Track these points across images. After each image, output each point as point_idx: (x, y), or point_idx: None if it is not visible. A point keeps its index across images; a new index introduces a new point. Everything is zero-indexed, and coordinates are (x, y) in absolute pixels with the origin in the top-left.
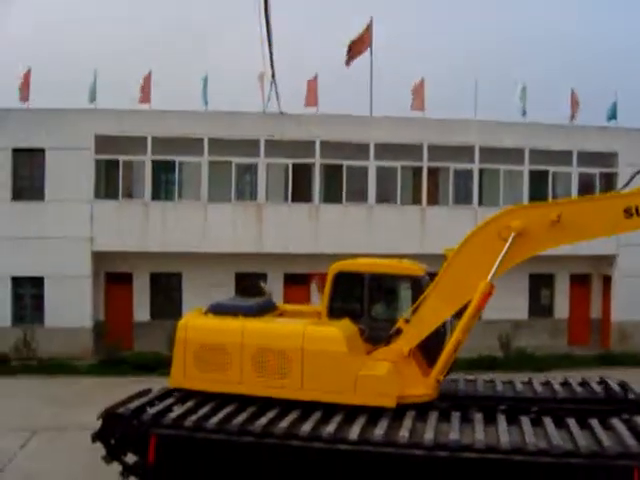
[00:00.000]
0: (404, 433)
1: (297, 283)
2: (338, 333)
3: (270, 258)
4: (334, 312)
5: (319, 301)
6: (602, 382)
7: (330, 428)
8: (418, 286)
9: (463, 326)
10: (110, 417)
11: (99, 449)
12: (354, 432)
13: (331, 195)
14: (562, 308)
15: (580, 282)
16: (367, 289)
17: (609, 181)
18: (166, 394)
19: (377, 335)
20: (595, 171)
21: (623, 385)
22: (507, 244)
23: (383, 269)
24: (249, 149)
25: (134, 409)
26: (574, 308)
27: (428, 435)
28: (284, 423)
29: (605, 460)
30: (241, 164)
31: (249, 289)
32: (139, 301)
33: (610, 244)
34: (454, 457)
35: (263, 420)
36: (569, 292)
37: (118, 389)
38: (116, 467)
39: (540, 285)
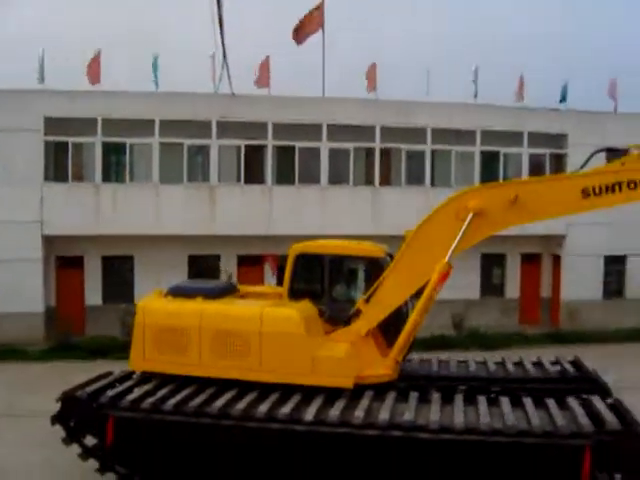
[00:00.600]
0: (359, 413)
1: (251, 264)
2: (295, 315)
3: (223, 240)
4: (295, 293)
5: (273, 282)
6: (556, 362)
7: (286, 409)
8: (378, 267)
9: (421, 307)
10: (69, 400)
11: (54, 435)
12: (310, 413)
13: (284, 177)
14: (513, 287)
15: (530, 261)
16: (327, 270)
17: (559, 162)
18: (126, 377)
19: (337, 316)
20: (545, 152)
21: (577, 364)
22: (464, 224)
23: (343, 250)
24: (201, 130)
25: (92, 392)
26: (525, 287)
27: (383, 415)
28: (241, 405)
29: (557, 439)
30: (193, 145)
31: (205, 271)
32: (91, 285)
33: (559, 224)
34: (408, 437)
35: (220, 402)
36: (520, 271)
37: (71, 374)
38: (72, 454)
39: (492, 265)
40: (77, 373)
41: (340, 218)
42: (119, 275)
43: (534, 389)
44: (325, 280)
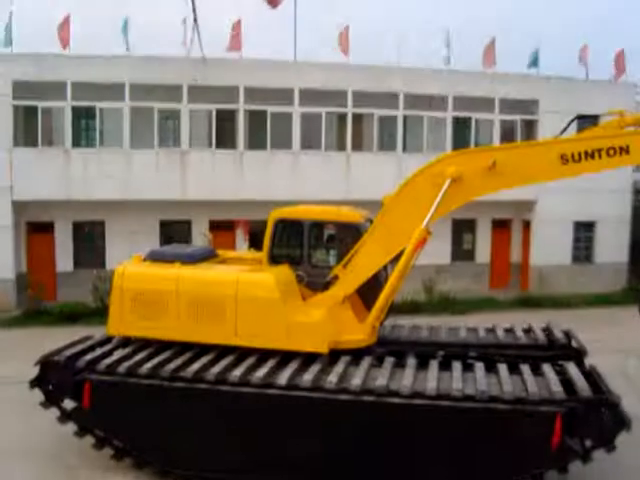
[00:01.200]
0: (332, 378)
1: (222, 230)
2: (270, 280)
3: (195, 205)
4: (274, 259)
5: (245, 247)
6: (546, 329)
7: (260, 373)
8: (358, 233)
9: (398, 272)
10: (47, 364)
11: (29, 401)
12: (283, 377)
13: (255, 141)
14: (484, 253)
15: (501, 227)
16: (307, 236)
17: (530, 128)
18: (105, 341)
19: (317, 282)
20: (516, 118)
21: (565, 333)
22: (442, 191)
23: (322, 216)
24: (172, 95)
25: (70, 356)
26: (495, 253)
27: (356, 380)
28: (216, 369)
29: (528, 406)
30: (164, 110)
31: (177, 237)
32: (62, 251)
33: (530, 190)
34: (380, 402)
35: (195, 366)
36: (490, 237)
37: (43, 340)
38: (48, 420)
39: (462, 230)
40: (49, 339)
41: (312, 183)
42: (90, 241)
43: (513, 356)
44: (304, 246)
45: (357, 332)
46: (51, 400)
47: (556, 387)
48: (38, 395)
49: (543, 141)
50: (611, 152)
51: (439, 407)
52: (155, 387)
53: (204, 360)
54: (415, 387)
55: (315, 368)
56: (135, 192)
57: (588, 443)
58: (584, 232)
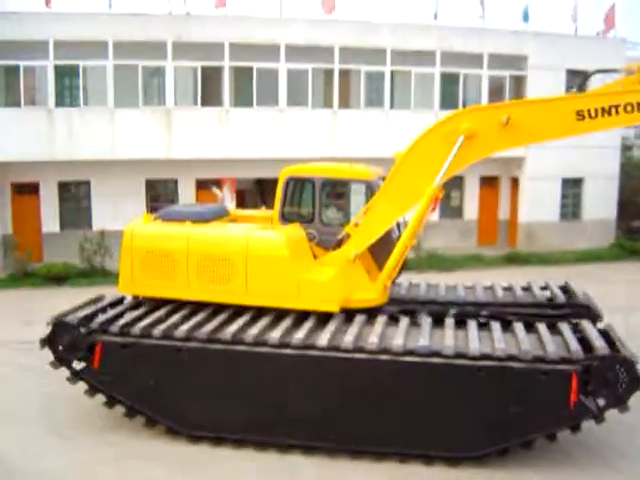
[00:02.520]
0: (349, 337)
1: (209, 188)
2: (280, 238)
3: (181, 164)
4: (285, 217)
5: (232, 206)
6: (564, 288)
7: (275, 334)
8: (370, 190)
9: (410, 231)
10: (59, 325)
11: (26, 364)
12: (297, 337)
13: (241, 99)
14: (472, 210)
15: (489, 184)
16: (318, 194)
17: (519, 84)
18: (117, 301)
19: (328, 240)
20: (505, 74)
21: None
22: (455, 147)
23: (334, 174)
24: (156, 52)
25: (82, 317)
26: (483, 210)
27: (372, 339)
28: (231, 329)
29: (545, 365)
30: (148, 67)
31: (163, 196)
32: (48, 211)
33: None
34: (397, 361)
35: (209, 327)
36: (478, 194)
37: (30, 302)
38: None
39: (450, 187)
40: (36, 301)
41: (299, 140)
42: (76, 201)
43: (526, 314)
44: (315, 204)
45: (369, 291)
46: (61, 360)
47: (574, 345)
48: (26, 356)
49: (559, 97)
50: (628, 108)
51: (455, 365)
52: (168, 348)
53: (217, 321)
54: (433, 346)
55: (331, 327)
56: (120, 151)
57: (602, 402)
58: (572, 189)
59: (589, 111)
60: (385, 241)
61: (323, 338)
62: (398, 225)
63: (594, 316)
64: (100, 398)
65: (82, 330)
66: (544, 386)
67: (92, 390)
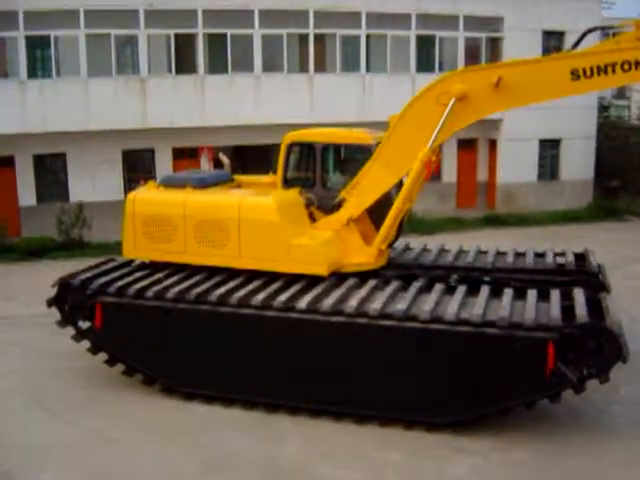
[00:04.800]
0: (330, 301)
1: (186, 157)
2: (271, 202)
3: (156, 133)
4: (288, 182)
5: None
6: (562, 254)
7: (260, 296)
8: (369, 154)
9: (403, 195)
10: (63, 286)
11: (9, 339)
12: (280, 300)
13: (216, 66)
14: (450, 172)
15: (467, 147)
16: (319, 158)
17: (495, 46)
18: (123, 265)
19: (329, 204)
20: (481, 35)
21: (583, 257)
22: (447, 110)
23: (334, 138)
24: (128, 20)
25: (85, 279)
26: (461, 172)
27: (351, 302)
28: (219, 291)
29: (521, 332)
30: (120, 36)
31: (140, 165)
32: (24, 185)
33: None
34: (373, 325)
35: (199, 289)
36: (457, 157)
37: (9, 277)
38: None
39: None
40: (16, 276)
41: (275, 106)
42: (52, 174)
43: (527, 280)
44: (317, 168)
45: (363, 255)
46: (67, 320)
47: (554, 313)
48: (8, 331)
49: (553, 56)
50: (626, 67)
51: (431, 330)
52: (160, 309)
53: (209, 283)
54: (409, 310)
55: (316, 291)
56: (95, 122)
57: (584, 372)
58: (550, 150)
59: (584, 70)
60: (385, 205)
61: (304, 301)
62: (399, 188)
63: (601, 285)
64: (82, 369)
65: (84, 291)
66: (520, 353)
67: (95, 349)
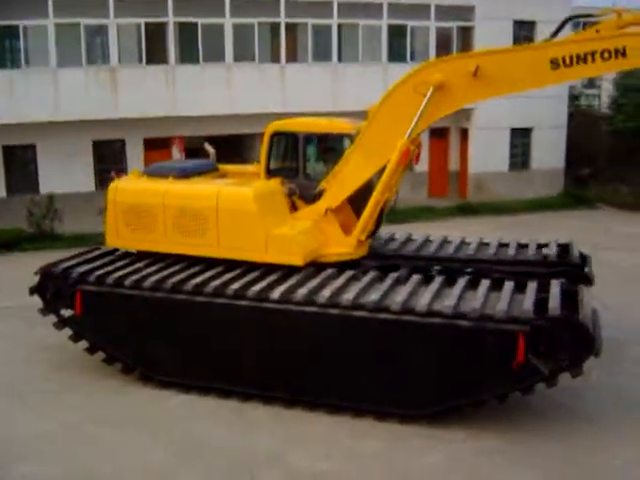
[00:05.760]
0: (303, 291)
1: (158, 148)
2: (248, 193)
3: (127, 123)
4: (271, 172)
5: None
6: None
7: (234, 286)
8: (351, 144)
9: (382, 185)
10: (45, 274)
11: None
12: (254, 290)
13: (187, 55)
14: (422, 161)
15: (439, 136)
16: (301, 148)
17: (466, 35)
18: (107, 253)
19: (308, 194)
20: (452, 25)
21: (567, 249)
22: (425, 100)
23: (316, 128)
24: (97, 10)
25: (66, 267)
26: (433, 161)
27: (325, 292)
28: (196, 280)
29: (492, 323)
30: (90, 26)
31: (111, 156)
32: None
33: None
34: (345, 315)
35: (175, 278)
36: (428, 146)
37: None
38: None
39: None
40: None
41: (247, 96)
42: (22, 165)
43: (508, 272)
44: (299, 158)
45: (342, 245)
46: (49, 308)
47: (527, 305)
48: None
49: (532, 45)
50: (606, 55)
51: (403, 322)
52: (137, 298)
53: (187, 273)
54: (382, 302)
55: (291, 281)
56: (65, 113)
57: (556, 365)
58: (521, 138)
59: (564, 59)
60: (367, 195)
61: (277, 291)
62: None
63: (584, 277)
64: (54, 359)
65: (65, 279)
66: (492, 345)
67: (76, 337)
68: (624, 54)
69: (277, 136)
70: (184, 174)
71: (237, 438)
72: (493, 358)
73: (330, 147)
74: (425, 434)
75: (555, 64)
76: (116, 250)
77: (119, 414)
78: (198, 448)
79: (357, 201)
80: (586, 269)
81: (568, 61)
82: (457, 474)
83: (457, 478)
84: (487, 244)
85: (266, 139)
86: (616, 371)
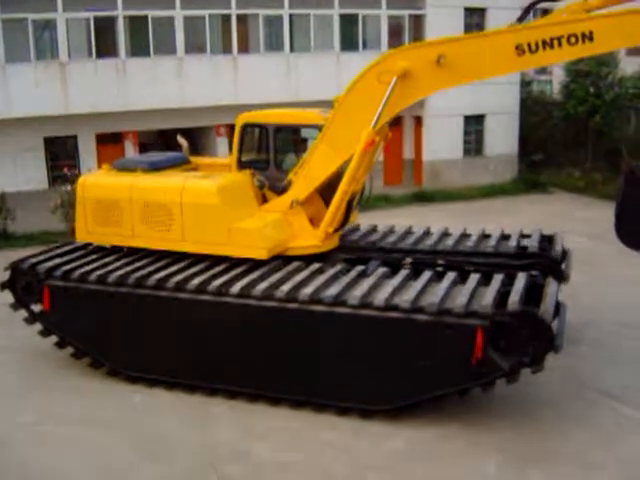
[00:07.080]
0: (263, 285)
1: (110, 142)
2: (212, 186)
3: (79, 119)
4: (243, 164)
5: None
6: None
7: (196, 280)
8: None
9: (348, 176)
10: (15, 269)
11: None
12: (214, 284)
13: (138, 49)
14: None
15: (393, 124)
16: (272, 140)
17: (418, 23)
18: (77, 248)
19: (277, 187)
20: (404, 13)
21: (550, 240)
22: (389, 89)
23: (286, 119)
24: (45, 4)
25: (34, 263)
26: (388, 149)
27: (284, 287)
28: (159, 275)
29: (451, 318)
30: (38, 20)
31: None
32: None
33: None
34: (303, 310)
35: (139, 273)
36: None
37: None
38: None
39: None
40: None
41: (199, 88)
42: None
43: (483, 264)
44: (270, 150)
45: (310, 238)
46: (20, 302)
47: (487, 299)
48: None
49: (496, 30)
50: (572, 40)
51: (360, 316)
52: (102, 293)
53: (151, 267)
54: (340, 296)
55: (253, 275)
56: (14, 109)
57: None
58: (474, 125)
59: (529, 45)
60: (337, 187)
61: (238, 285)
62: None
63: (557, 271)
64: (13, 362)
65: (33, 274)
66: (450, 340)
67: (46, 331)
68: (591, 39)
69: (248, 128)
70: (153, 168)
71: (200, 433)
72: (452, 353)
73: (301, 138)
74: (386, 421)
75: (520, 50)
76: (88, 245)
77: (80, 411)
78: (161, 444)
79: (328, 193)
80: (563, 266)
81: (534, 47)
82: (419, 458)
83: (419, 462)
84: (468, 235)
85: (237, 131)
86: (573, 355)
